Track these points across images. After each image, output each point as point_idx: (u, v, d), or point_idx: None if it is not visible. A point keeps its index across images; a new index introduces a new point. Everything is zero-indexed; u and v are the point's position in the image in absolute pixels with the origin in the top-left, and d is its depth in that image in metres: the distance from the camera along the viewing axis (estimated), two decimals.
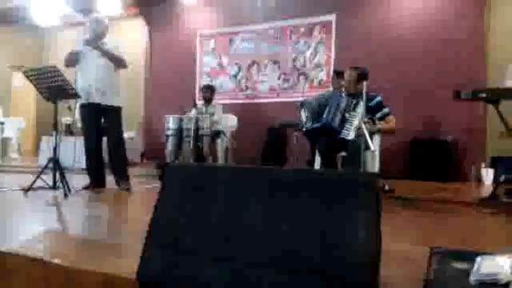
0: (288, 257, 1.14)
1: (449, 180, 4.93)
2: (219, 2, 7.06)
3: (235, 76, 6.95)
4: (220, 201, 1.32)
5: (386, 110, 3.43)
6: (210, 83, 6.55)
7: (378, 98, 3.43)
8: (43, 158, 6.11)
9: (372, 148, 2.97)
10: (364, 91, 3.11)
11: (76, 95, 3.66)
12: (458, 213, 3.13)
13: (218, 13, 7.12)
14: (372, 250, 1.09)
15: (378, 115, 3.41)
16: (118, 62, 3.89)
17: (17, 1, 7.48)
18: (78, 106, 4.01)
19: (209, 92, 5.81)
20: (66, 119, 6.76)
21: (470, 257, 1.27)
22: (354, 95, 3.42)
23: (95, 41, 3.76)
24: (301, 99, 4.11)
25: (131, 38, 7.68)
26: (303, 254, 1.13)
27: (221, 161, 5.53)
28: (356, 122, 3.24)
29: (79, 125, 4.95)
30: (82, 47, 3.80)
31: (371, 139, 2.98)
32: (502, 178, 3.51)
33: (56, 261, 1.62)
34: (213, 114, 5.45)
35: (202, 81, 7.14)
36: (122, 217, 3.00)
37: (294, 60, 6.47)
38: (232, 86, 6.98)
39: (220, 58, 7.10)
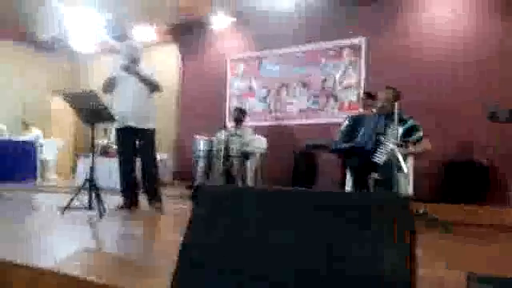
0: (317, 281, 1.13)
1: (486, 204, 4.73)
2: (248, 27, 7.21)
3: (264, 98, 7.03)
4: (250, 223, 1.33)
5: (420, 133, 3.35)
6: (241, 106, 6.64)
7: (412, 121, 3.37)
8: (80, 179, 6.32)
9: (405, 170, 2.91)
10: (396, 112, 3.08)
11: (112, 119, 3.80)
12: (495, 238, 3.00)
13: (248, 38, 7.27)
14: (406, 275, 1.07)
15: (412, 139, 3.34)
16: (154, 87, 4.01)
17: (54, 30, 7.91)
18: (114, 128, 4.14)
19: (240, 114, 5.88)
20: (101, 141, 7.00)
21: (508, 284, 1.22)
22: (389, 116, 3.37)
23: (132, 66, 3.91)
24: (331, 121, 4.10)
25: (165, 63, 7.94)
26: (335, 278, 1.12)
27: (250, 182, 5.54)
28: (390, 146, 3.19)
29: (115, 146, 5.12)
30: (118, 73, 3.94)
31: (404, 161, 2.92)
32: None
33: (90, 279, 1.66)
34: (242, 136, 5.50)
35: (231, 104, 7.25)
36: (154, 237, 3.04)
37: (324, 82, 6.48)
38: (261, 109, 7.05)
39: (250, 82, 7.21)
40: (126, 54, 3.98)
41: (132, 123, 3.93)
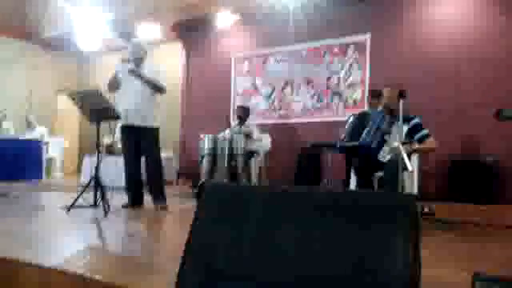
0: (321, 281, 1.13)
1: (491, 202, 4.71)
2: (253, 25, 7.21)
3: (269, 97, 7.02)
4: (255, 221, 1.33)
5: (424, 131, 3.32)
6: (244, 104, 6.64)
7: (416, 120, 3.34)
8: (85, 177, 6.35)
9: (410, 169, 2.89)
10: (401, 111, 3.06)
11: (117, 117, 3.81)
12: (501, 237, 2.98)
13: (252, 35, 7.27)
14: (410, 275, 1.06)
15: (417, 137, 3.32)
16: (157, 89, 4.01)
17: (60, 29, 7.95)
18: (118, 127, 4.15)
19: (243, 112, 5.89)
20: (106, 139, 7.02)
21: None
22: (393, 115, 3.34)
23: (137, 69, 3.91)
24: (335, 119, 4.09)
25: (170, 61, 7.96)
26: (337, 278, 1.11)
27: (254, 180, 5.54)
28: (395, 145, 3.17)
29: (119, 145, 5.13)
30: (122, 73, 3.94)
31: (409, 160, 2.91)
32: None
33: (95, 277, 1.67)
34: (247, 134, 5.50)
35: (236, 102, 7.26)
36: (158, 235, 3.05)
37: (328, 80, 6.46)
38: (265, 107, 7.04)
39: (254, 80, 7.21)
40: (132, 53, 3.98)
41: (135, 121, 3.95)
